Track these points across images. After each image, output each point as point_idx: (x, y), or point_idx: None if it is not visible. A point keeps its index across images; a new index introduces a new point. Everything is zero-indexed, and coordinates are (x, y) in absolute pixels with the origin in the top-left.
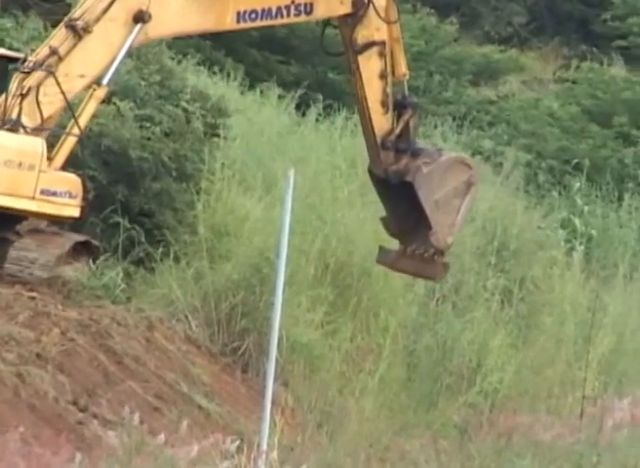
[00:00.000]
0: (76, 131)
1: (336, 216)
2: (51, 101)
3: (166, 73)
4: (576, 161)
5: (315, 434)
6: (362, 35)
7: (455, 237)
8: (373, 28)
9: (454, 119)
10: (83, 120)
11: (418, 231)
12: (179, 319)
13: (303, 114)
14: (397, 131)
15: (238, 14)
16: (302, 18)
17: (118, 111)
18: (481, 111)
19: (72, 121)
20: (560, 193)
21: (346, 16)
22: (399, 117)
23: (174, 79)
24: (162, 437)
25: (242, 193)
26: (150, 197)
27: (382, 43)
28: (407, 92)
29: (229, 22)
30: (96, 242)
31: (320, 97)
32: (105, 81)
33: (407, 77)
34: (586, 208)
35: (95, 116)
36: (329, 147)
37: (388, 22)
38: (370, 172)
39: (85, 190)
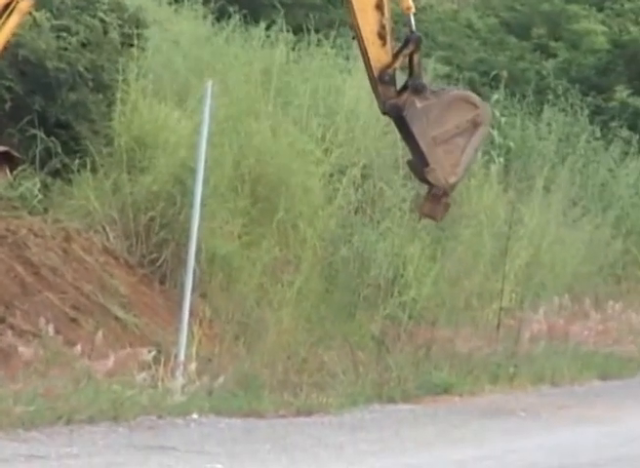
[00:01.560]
0: None
1: (252, 128)
2: None
3: None
4: (494, 73)
5: (233, 345)
6: None
7: (459, 177)
8: None
9: None
10: (4, 34)
11: None
12: (96, 230)
13: (221, 26)
14: (396, 64)
15: None
16: None
17: (34, 21)
18: (399, 23)
19: None
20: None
21: None
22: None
23: None
24: (78, 348)
25: (159, 104)
26: (67, 108)
27: None
28: (413, 26)
29: None
30: (16, 153)
31: (237, 8)
32: None
33: (412, 10)
34: (504, 119)
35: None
36: (246, 59)
37: None
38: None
39: None
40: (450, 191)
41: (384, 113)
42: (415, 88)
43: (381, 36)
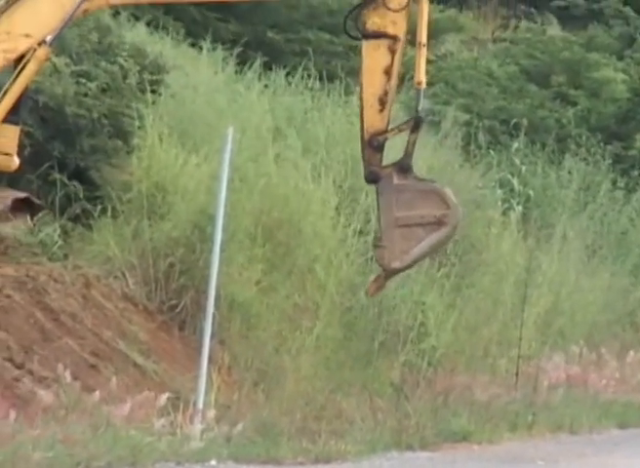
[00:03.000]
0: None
1: (270, 174)
2: None
3: (103, 30)
4: (514, 121)
5: (252, 392)
6: (373, 21)
7: (404, 266)
8: (388, 20)
9: None
10: (21, 82)
11: None
12: (116, 276)
13: (242, 72)
14: (389, 135)
15: None
16: None
17: (54, 67)
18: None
19: (11, 79)
20: (501, 151)
21: None
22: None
23: (111, 36)
24: (97, 394)
25: (180, 150)
26: (86, 153)
27: (395, 38)
28: (420, 104)
29: None
30: (36, 199)
31: (259, 55)
32: (49, 41)
33: (423, 86)
34: (524, 168)
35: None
36: (266, 105)
37: (397, 10)
38: None
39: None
40: (389, 275)
41: (365, 178)
42: (400, 166)
43: (382, 102)
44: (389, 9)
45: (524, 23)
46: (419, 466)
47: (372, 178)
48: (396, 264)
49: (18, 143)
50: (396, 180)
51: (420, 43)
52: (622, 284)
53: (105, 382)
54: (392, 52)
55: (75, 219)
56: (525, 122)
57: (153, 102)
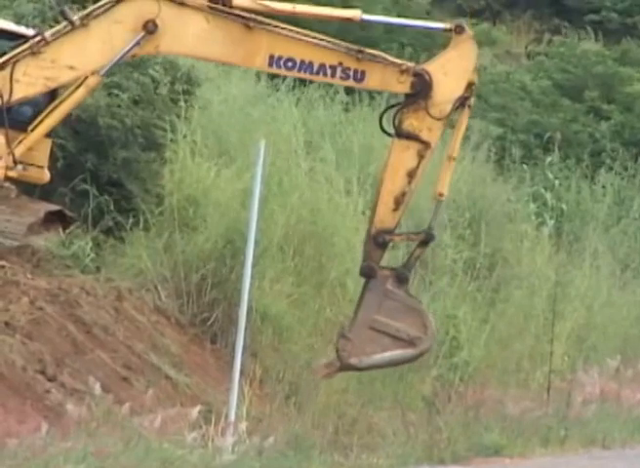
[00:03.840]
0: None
1: (302, 188)
2: (32, 83)
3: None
4: (548, 135)
5: (283, 405)
6: (410, 123)
7: (358, 366)
8: (425, 125)
9: None
10: (68, 105)
11: None
12: (148, 289)
13: (274, 86)
14: (396, 239)
15: (271, 57)
16: (350, 83)
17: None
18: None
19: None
20: (536, 164)
21: (405, 94)
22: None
23: None
24: (129, 407)
25: (212, 163)
26: (119, 166)
27: (426, 144)
28: (435, 219)
29: (259, 63)
30: (69, 212)
31: None
32: (102, 72)
33: (443, 198)
34: (557, 182)
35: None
36: (300, 119)
37: (436, 118)
38: None
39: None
40: (343, 368)
41: (360, 270)
42: (399, 275)
43: (397, 202)
44: (429, 115)
45: (557, 38)
46: None
47: (366, 272)
48: (354, 361)
49: (50, 156)
50: (389, 286)
51: (450, 156)
52: None
53: (137, 395)
54: (420, 156)
55: (107, 232)
56: (559, 136)
57: (185, 115)
